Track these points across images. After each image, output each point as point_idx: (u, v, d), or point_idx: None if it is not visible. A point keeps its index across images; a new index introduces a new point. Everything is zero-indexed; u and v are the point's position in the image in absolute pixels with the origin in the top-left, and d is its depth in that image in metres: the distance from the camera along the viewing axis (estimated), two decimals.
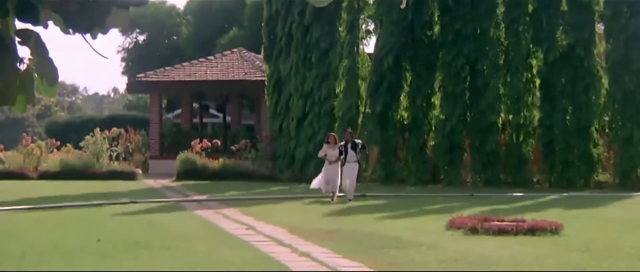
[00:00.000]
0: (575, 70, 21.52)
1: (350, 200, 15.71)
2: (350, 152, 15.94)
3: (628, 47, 21.16)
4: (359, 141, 16.62)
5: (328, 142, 16.07)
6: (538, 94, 22.28)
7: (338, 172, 15.77)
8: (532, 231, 10.31)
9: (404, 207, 14.90)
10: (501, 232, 10.30)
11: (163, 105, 34.17)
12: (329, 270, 7.56)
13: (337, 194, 15.88)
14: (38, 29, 2.66)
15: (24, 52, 2.68)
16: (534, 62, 22.28)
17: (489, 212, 12.83)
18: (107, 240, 9.51)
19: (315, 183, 16.10)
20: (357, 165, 16.10)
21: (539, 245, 9.36)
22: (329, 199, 15.74)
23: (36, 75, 2.70)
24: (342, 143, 16.12)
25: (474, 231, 10.42)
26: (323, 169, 16.15)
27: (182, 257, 8.18)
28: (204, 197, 17.45)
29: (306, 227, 11.26)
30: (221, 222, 12.08)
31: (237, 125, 34.61)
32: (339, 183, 15.77)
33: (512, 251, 8.76)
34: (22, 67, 2.67)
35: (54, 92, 2.77)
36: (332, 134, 16.72)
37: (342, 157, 15.86)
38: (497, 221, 11.24)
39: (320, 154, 16.28)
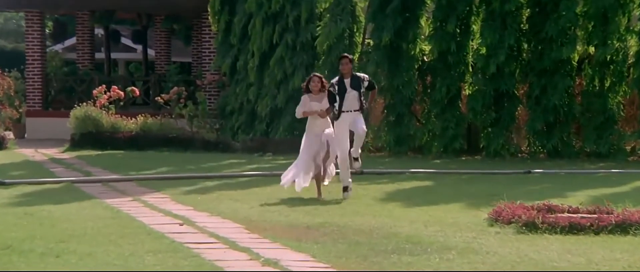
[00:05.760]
0: None
1: (360, 169, 14.72)
2: (351, 93, 14.05)
3: None
4: (364, 75, 14.75)
5: (309, 91, 14.37)
6: (637, 12, 22.27)
7: (326, 144, 14.23)
8: (623, 226, 10.41)
9: (425, 191, 14.91)
10: (574, 228, 10.38)
11: (47, 31, 33.92)
12: None
13: (328, 176, 14.53)
14: None
15: None
16: None
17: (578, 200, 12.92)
18: None
19: (288, 177, 14.41)
20: (360, 116, 14.24)
21: (633, 248, 9.46)
22: (316, 195, 14.32)
23: None
24: (334, 81, 14.28)
25: (531, 227, 10.50)
26: (303, 141, 14.53)
27: (78, 267, 8.18)
28: (114, 175, 17.52)
29: (273, 222, 11.32)
30: (142, 214, 12.10)
31: (165, 64, 34.51)
32: (333, 159, 14.36)
33: (591, 258, 8.84)
34: None
35: None
36: (317, 75, 14.91)
37: (335, 108, 14.07)
38: (568, 211, 11.32)
39: (299, 111, 14.44)
